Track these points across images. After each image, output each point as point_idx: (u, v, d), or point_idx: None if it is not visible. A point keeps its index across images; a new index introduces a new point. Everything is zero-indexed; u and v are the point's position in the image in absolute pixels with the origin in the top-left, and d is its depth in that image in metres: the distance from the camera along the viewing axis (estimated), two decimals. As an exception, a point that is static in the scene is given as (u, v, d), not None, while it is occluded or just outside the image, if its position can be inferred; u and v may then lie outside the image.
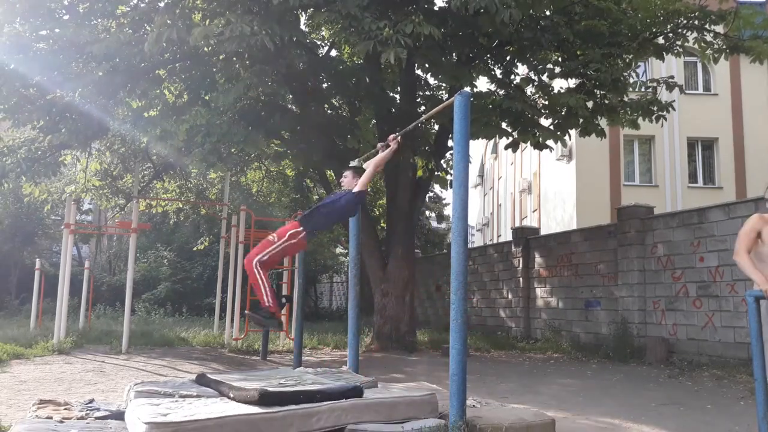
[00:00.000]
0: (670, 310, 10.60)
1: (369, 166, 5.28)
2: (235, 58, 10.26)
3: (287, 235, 4.89)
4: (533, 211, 23.10)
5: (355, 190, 5.11)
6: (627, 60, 11.12)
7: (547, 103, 11.42)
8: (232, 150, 12.02)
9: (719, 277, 9.76)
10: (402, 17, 8.33)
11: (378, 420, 4.04)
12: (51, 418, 4.11)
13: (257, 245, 4.97)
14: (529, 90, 11.88)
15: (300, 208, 16.85)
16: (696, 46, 11.34)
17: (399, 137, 5.46)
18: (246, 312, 5.16)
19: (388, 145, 5.40)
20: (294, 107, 12.97)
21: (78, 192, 13.83)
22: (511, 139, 11.57)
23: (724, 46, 11.05)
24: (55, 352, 10.29)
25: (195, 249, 20.26)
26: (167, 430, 3.38)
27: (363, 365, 7.02)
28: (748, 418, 5.48)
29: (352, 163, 5.67)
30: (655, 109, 11.12)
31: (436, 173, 13.61)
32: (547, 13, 10.51)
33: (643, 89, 11.59)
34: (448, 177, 14.39)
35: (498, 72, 11.77)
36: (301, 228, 4.95)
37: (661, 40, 11.47)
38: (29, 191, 14.02)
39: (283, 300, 12.02)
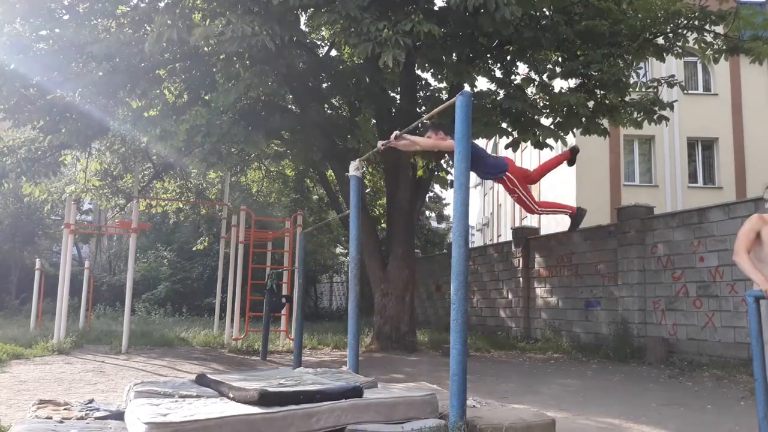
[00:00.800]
0: (670, 310, 10.59)
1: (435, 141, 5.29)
2: (235, 58, 10.26)
3: (513, 180, 5.13)
4: (533, 211, 23.08)
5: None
6: (628, 60, 11.11)
7: (548, 102, 11.41)
8: (232, 150, 12.03)
9: (719, 277, 9.76)
10: (402, 17, 8.33)
11: (378, 420, 4.04)
12: (51, 418, 4.10)
13: (524, 202, 5.22)
14: (530, 90, 11.88)
15: (300, 208, 16.83)
16: (696, 46, 11.34)
17: (404, 134, 5.44)
18: (572, 229, 5.66)
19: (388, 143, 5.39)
20: (294, 107, 12.97)
21: (78, 192, 13.82)
22: (511, 138, 11.57)
23: (724, 47, 11.04)
24: (55, 352, 10.29)
25: (195, 249, 20.26)
26: (167, 430, 3.38)
27: (363, 365, 7.02)
28: (748, 418, 5.47)
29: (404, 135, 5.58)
30: (657, 109, 11.11)
31: (436, 173, 13.61)
32: (547, 12, 10.51)
33: (644, 89, 11.58)
34: (449, 177, 14.41)
35: (498, 72, 11.78)
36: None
37: (661, 41, 11.47)
38: (29, 191, 14.01)
39: (283, 300, 12.07)
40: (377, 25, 8.05)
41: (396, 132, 5.38)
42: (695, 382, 8.20)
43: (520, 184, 5.18)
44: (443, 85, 13.44)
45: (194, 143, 9.83)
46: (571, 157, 5.52)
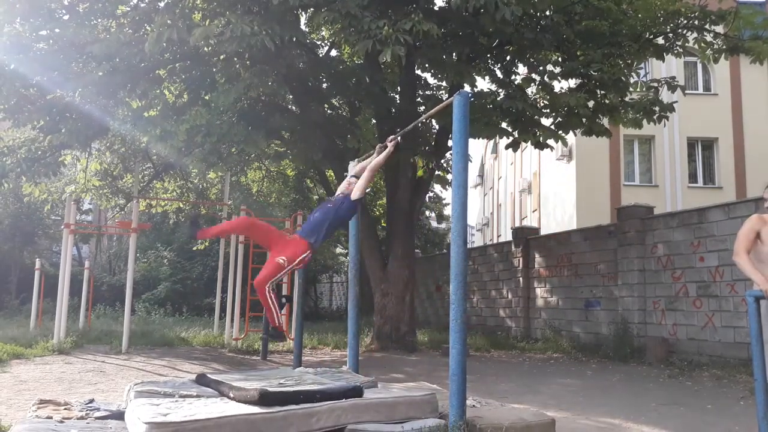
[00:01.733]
0: (670, 310, 10.60)
1: (366, 171, 5.29)
2: (235, 59, 10.26)
3: (298, 260, 4.98)
4: (533, 211, 23.10)
5: (354, 197, 5.15)
6: (628, 60, 11.11)
7: (548, 102, 11.42)
8: (232, 150, 12.03)
9: (719, 277, 9.76)
10: (401, 16, 8.33)
11: (378, 420, 4.04)
12: (51, 417, 4.11)
13: (266, 267, 5.03)
14: (530, 90, 11.87)
15: (300, 208, 16.85)
16: (696, 46, 11.34)
17: (398, 139, 5.46)
18: (262, 336, 5.49)
19: (385, 147, 5.39)
20: (294, 107, 12.97)
21: (78, 192, 13.82)
22: (511, 138, 11.57)
23: (724, 46, 11.04)
24: (55, 352, 10.29)
25: (195, 249, 20.24)
26: (167, 429, 3.38)
27: (363, 365, 7.02)
28: (747, 418, 5.48)
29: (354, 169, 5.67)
30: (657, 109, 11.11)
31: (436, 173, 13.61)
32: (548, 13, 10.51)
33: (644, 89, 11.58)
34: (449, 176, 14.41)
35: (498, 72, 11.77)
36: (309, 250, 5.04)
37: (661, 41, 11.47)
38: (29, 191, 14.02)
39: (283, 300, 12.06)
40: (377, 23, 8.06)
41: (390, 137, 5.42)
42: (695, 382, 8.21)
43: (289, 269, 5.08)
44: (443, 84, 13.44)
45: (194, 143, 9.82)
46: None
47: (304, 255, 4.99)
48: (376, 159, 5.35)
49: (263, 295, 4.96)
